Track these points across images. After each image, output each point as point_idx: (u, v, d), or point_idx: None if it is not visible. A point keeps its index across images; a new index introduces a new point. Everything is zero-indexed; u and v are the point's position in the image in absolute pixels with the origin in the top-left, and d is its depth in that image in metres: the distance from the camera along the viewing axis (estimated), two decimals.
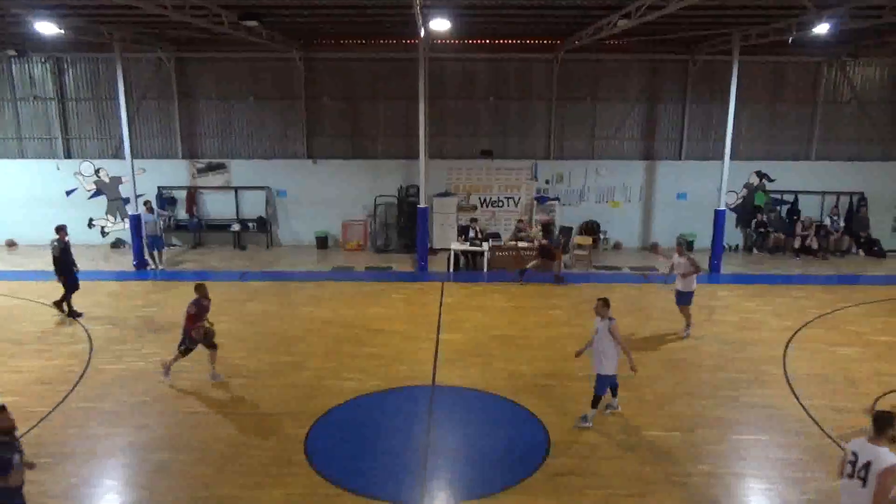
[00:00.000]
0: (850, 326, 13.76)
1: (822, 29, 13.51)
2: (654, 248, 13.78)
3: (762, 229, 20.29)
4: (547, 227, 17.73)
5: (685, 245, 13.74)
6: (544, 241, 17.07)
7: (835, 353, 12.40)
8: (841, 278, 17.51)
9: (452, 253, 18.04)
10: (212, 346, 10.91)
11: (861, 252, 20.14)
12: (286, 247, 21.01)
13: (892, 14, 12.71)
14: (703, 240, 19.19)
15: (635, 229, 20.81)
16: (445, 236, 19.65)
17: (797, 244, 19.90)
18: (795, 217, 20.29)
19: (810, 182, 20.34)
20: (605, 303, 9.36)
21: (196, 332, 10.56)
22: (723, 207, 17.96)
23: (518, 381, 11.09)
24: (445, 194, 20.17)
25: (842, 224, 20.21)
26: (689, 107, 20.11)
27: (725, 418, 9.92)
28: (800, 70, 19.97)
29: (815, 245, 19.73)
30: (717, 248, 17.88)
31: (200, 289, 10.71)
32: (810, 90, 20.11)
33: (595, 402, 9.53)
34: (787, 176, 20.33)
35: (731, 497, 8.06)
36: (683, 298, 12.90)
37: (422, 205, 17.75)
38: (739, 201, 20.48)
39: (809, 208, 20.43)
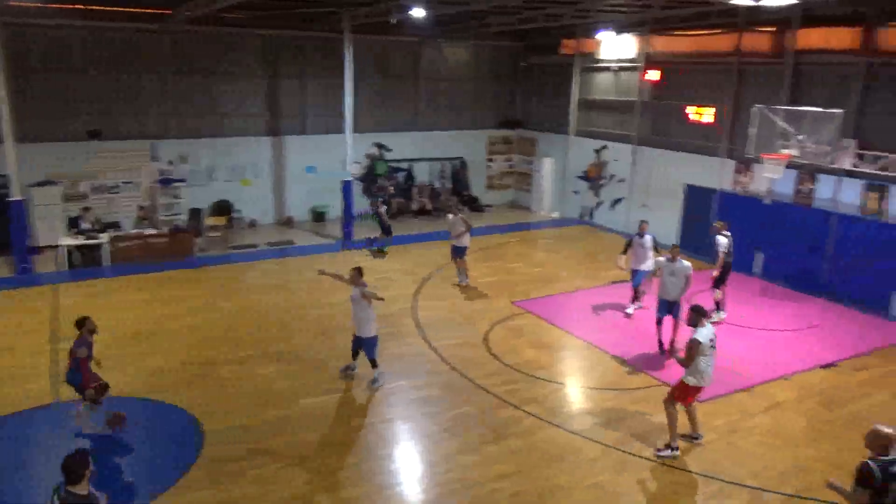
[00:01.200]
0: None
1: (418, 13, 15.02)
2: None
3: (384, 195, 21.97)
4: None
5: (455, 205, 16.14)
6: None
7: (454, 297, 14.21)
8: None
9: (65, 249, 15.71)
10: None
11: (466, 209, 23.27)
12: None
13: (476, 3, 14.78)
14: (336, 209, 20.06)
15: (269, 205, 20.76)
16: (52, 231, 16.95)
17: (416, 207, 22.15)
18: (412, 183, 22.52)
19: (420, 150, 22.71)
20: (358, 272, 10.01)
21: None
22: (349, 178, 18.97)
23: (160, 378, 10.28)
24: (46, 183, 17.33)
25: (449, 186, 23.11)
26: (309, 83, 20.62)
27: (372, 373, 10.60)
28: (403, 49, 21.98)
29: (430, 206, 22.19)
30: (348, 216, 18.88)
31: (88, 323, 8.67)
32: (412, 67, 22.31)
33: (374, 364, 10.15)
34: (401, 145, 22.36)
35: (383, 440, 8.73)
36: (458, 252, 14.86)
37: (15, 197, 14.99)
38: (363, 171, 21.86)
39: (422, 174, 22.84)
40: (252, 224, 20.33)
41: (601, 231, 20.37)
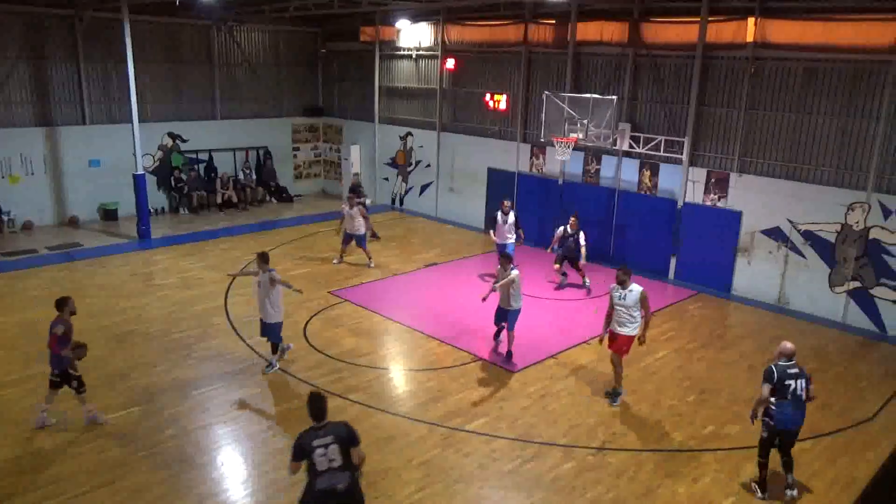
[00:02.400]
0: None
1: None
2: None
3: (181, 188, 20.56)
4: None
5: (351, 199, 15.35)
6: None
7: None
8: (262, 225, 19.28)
9: None
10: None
11: (274, 200, 22.55)
12: None
13: None
14: (128, 206, 18.39)
15: (47, 204, 18.47)
16: None
17: (219, 199, 20.98)
18: (214, 174, 21.29)
19: (221, 140, 21.51)
20: (262, 257, 10.02)
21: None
22: (141, 171, 17.46)
23: None
24: None
25: (254, 176, 22.18)
26: (85, 67, 18.58)
27: (182, 378, 9.95)
28: (193, 32, 20.58)
29: (235, 198, 21.14)
30: (142, 213, 17.38)
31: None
32: (205, 52, 21.00)
33: (274, 349, 10.24)
34: (199, 135, 21.00)
35: (202, 448, 8.22)
36: (359, 240, 15.20)
37: None
38: (157, 164, 20.25)
39: (225, 164, 21.67)
40: (27, 226, 17.98)
41: (412, 217, 20.78)
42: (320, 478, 5.71)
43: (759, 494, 7.61)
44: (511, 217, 14.29)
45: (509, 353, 10.80)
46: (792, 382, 7.29)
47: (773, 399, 7.35)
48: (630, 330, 9.35)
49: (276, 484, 7.56)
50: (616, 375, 9.69)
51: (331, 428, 5.87)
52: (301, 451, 5.76)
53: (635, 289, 9.29)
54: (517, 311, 10.67)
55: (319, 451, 5.71)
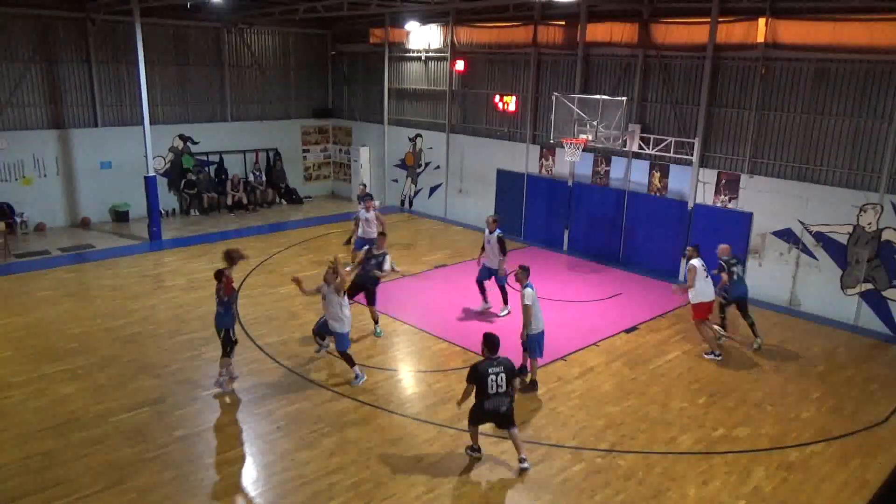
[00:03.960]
0: (284, 267, 15.41)
1: None
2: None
3: (192, 190, 20.67)
4: None
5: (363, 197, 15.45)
6: None
7: (276, 293, 13.75)
8: (271, 227, 19.34)
9: None
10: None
11: (284, 201, 22.62)
12: None
13: None
14: (139, 208, 18.50)
15: (59, 206, 18.63)
16: None
17: (230, 201, 21.08)
18: (224, 176, 21.39)
19: (231, 141, 21.61)
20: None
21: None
22: (152, 173, 17.57)
23: None
24: None
25: (264, 178, 22.26)
26: (97, 69, 18.73)
27: (191, 379, 9.99)
28: (203, 35, 20.69)
29: (245, 200, 21.23)
30: (153, 214, 17.48)
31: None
32: (216, 54, 21.10)
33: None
34: (210, 137, 21.10)
35: (212, 448, 8.25)
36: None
37: None
38: (168, 166, 20.37)
39: (235, 166, 21.77)
40: (39, 228, 18.13)
41: (421, 218, 20.78)
42: (489, 400, 7.49)
43: (724, 334, 11.49)
44: (495, 236, 12.36)
45: (533, 383, 9.96)
46: (735, 269, 11.22)
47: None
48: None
49: (286, 484, 7.57)
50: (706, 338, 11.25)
51: (502, 360, 7.62)
52: (476, 375, 7.53)
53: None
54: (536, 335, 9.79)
55: (491, 377, 7.46)
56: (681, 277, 15.18)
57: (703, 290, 10.95)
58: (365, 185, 17.97)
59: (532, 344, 9.77)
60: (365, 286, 11.74)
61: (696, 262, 11.01)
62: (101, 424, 8.66)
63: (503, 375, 7.52)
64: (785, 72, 13.35)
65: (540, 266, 14.97)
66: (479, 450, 8.07)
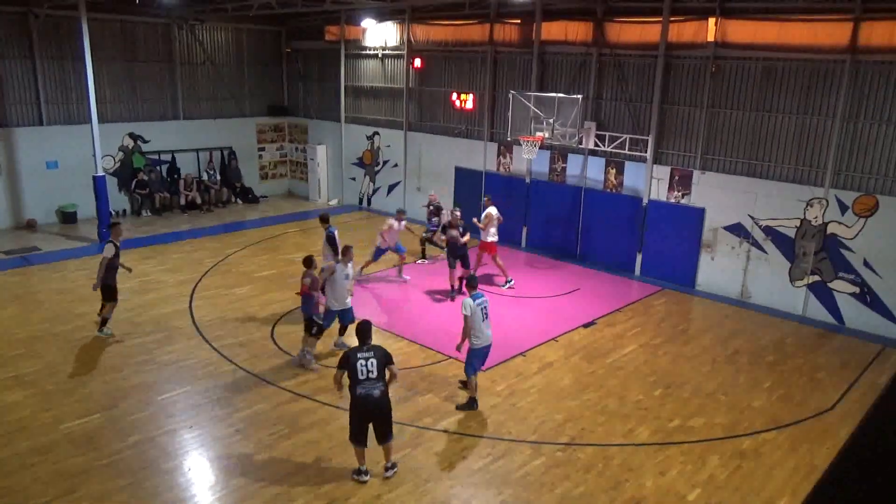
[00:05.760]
0: (240, 268, 15.16)
1: None
2: None
3: (144, 191, 20.14)
4: None
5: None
6: None
7: (232, 294, 13.52)
8: (226, 227, 18.99)
9: None
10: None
11: (239, 201, 22.22)
12: None
13: None
14: (88, 209, 17.97)
15: (3, 207, 17.93)
16: None
17: (183, 201, 20.63)
18: (176, 175, 20.92)
19: (184, 140, 21.13)
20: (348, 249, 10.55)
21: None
22: (101, 173, 17.07)
23: None
24: None
25: (219, 177, 21.85)
26: (41, 65, 18.10)
27: (145, 383, 9.76)
28: (152, 31, 20.17)
29: (199, 200, 20.79)
30: (102, 215, 17.00)
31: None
32: (166, 51, 20.60)
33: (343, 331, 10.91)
34: (161, 136, 20.59)
35: (168, 454, 8.06)
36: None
37: None
38: (118, 165, 19.81)
39: (188, 165, 21.30)
40: None
41: (380, 216, 20.66)
42: (360, 384, 7.32)
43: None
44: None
45: (471, 401, 9.42)
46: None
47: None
48: None
49: (245, 488, 7.45)
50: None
51: (374, 347, 7.51)
52: (344, 363, 7.42)
53: None
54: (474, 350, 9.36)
55: (360, 363, 7.32)
56: (636, 272, 15.45)
57: (494, 233, 14.04)
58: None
59: (470, 357, 9.22)
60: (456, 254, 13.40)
61: (492, 209, 14.13)
62: (50, 432, 8.39)
63: (373, 361, 7.35)
64: (734, 70, 13.69)
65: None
66: (366, 472, 7.63)
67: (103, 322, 11.36)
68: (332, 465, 7.88)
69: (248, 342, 11.24)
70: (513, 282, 14.31)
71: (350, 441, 7.61)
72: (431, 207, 15.99)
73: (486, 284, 13.85)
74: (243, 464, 7.89)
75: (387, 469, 7.72)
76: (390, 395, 7.65)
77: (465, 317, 8.98)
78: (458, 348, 9.44)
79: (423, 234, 15.90)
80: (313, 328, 10.24)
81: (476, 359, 9.25)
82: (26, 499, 7.14)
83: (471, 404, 9.28)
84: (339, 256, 10.80)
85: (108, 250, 11.14)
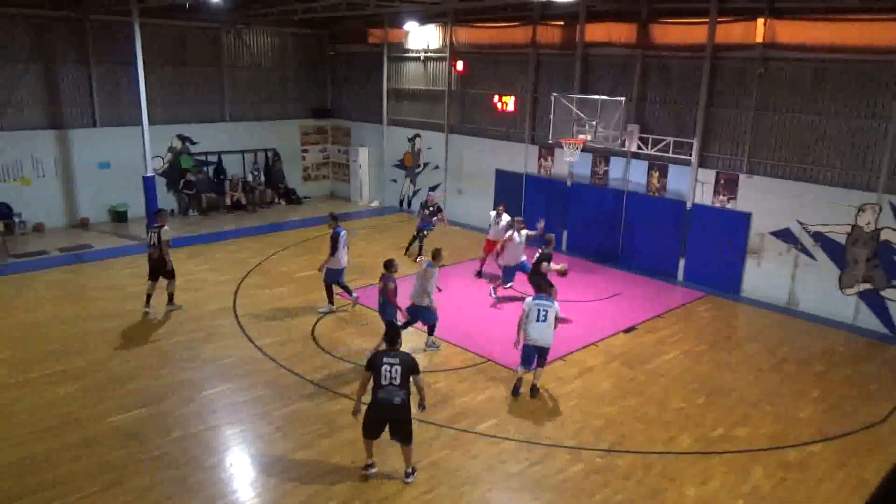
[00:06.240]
0: (281, 268, 15.40)
1: None
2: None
3: (191, 191, 20.62)
4: None
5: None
6: None
7: (274, 293, 13.74)
8: (269, 227, 19.31)
9: None
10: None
11: (282, 202, 22.60)
12: None
13: None
14: (138, 208, 18.49)
15: (58, 206, 18.60)
16: None
17: (228, 201, 21.07)
18: (223, 176, 21.37)
19: (230, 142, 21.59)
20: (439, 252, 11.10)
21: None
22: (150, 174, 17.55)
23: None
24: None
25: (263, 178, 22.24)
26: (95, 70, 18.71)
27: (189, 380, 9.98)
28: (201, 35, 20.66)
29: (244, 200, 21.20)
30: (152, 215, 17.42)
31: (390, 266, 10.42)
32: (214, 55, 21.08)
33: (431, 331, 11.29)
34: (208, 137, 21.07)
35: (210, 449, 8.23)
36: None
37: None
38: (166, 166, 20.35)
39: (234, 166, 21.75)
40: (38, 228, 18.10)
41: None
42: (382, 389, 7.24)
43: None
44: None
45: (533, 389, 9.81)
46: None
47: None
48: None
49: (285, 485, 7.56)
50: None
51: (400, 353, 7.43)
52: (371, 365, 7.33)
53: None
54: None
55: (385, 368, 7.23)
56: (679, 277, 15.19)
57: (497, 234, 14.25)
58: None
59: (524, 352, 9.62)
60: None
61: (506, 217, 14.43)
62: (97, 426, 8.64)
63: (398, 368, 7.24)
64: (783, 72, 13.35)
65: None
66: (373, 465, 7.73)
67: (171, 297, 12.55)
68: (359, 461, 7.92)
69: (288, 341, 11.40)
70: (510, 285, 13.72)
71: (362, 436, 7.60)
72: (431, 208, 16.32)
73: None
74: (282, 461, 8.00)
75: (407, 475, 7.67)
76: (419, 402, 7.67)
77: (520, 318, 9.58)
78: (515, 345, 9.69)
79: (423, 234, 16.26)
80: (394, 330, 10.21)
81: (525, 354, 9.61)
82: (72, 490, 7.36)
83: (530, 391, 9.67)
84: (433, 260, 11.20)
85: (167, 233, 12.26)
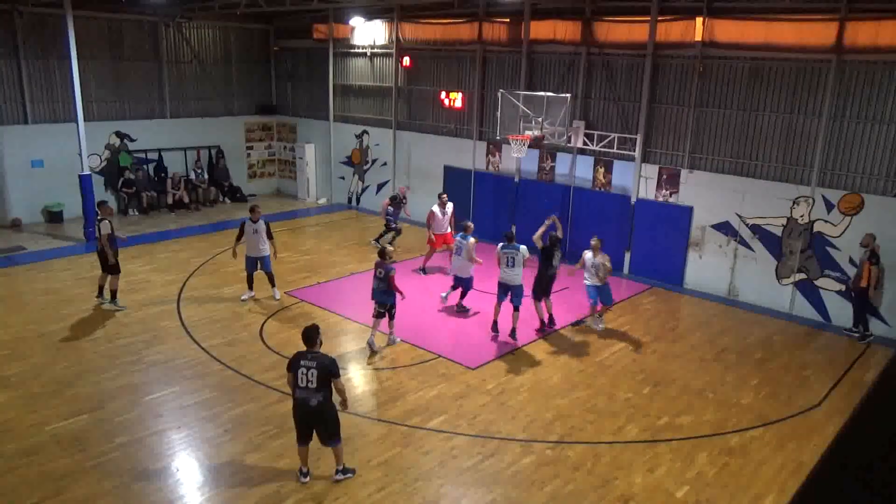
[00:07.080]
0: (228, 267, 15.04)
1: None
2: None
3: (130, 189, 19.97)
4: None
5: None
6: None
7: (220, 294, 13.44)
8: (213, 226, 18.86)
9: None
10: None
11: (227, 200, 22.10)
12: None
13: None
14: (74, 207, 17.81)
15: None
16: None
17: (170, 200, 20.49)
18: (164, 174, 20.77)
19: (171, 139, 20.98)
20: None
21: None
22: (87, 172, 16.92)
23: None
24: None
25: (206, 176, 21.71)
26: (26, 64, 17.92)
27: (132, 384, 9.69)
28: (139, 29, 20.02)
29: (186, 199, 20.66)
30: (89, 215, 16.83)
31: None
32: (153, 49, 20.46)
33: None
34: (148, 134, 20.43)
35: (156, 455, 8.00)
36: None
37: None
38: (104, 164, 19.65)
39: (175, 164, 21.16)
40: None
41: (369, 215, 20.64)
42: (298, 390, 7.21)
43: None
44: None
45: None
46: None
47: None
48: None
49: (234, 489, 7.42)
50: None
51: (318, 355, 7.29)
52: (289, 366, 7.32)
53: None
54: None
55: (301, 370, 7.14)
56: (625, 270, 15.51)
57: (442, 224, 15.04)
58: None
59: (498, 289, 11.61)
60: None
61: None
62: (37, 434, 8.31)
63: (314, 371, 7.08)
64: (721, 70, 13.76)
65: (487, 261, 15.05)
66: (306, 473, 7.56)
67: (113, 294, 12.36)
68: (320, 465, 7.85)
69: (236, 342, 11.19)
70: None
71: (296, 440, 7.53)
72: (405, 201, 16.86)
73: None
74: (233, 464, 7.85)
75: (336, 472, 7.60)
76: (340, 402, 7.47)
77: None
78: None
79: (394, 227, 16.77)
80: (392, 310, 11.05)
81: (498, 290, 11.50)
82: (13, 501, 7.07)
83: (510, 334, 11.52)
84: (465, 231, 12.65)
85: (106, 227, 12.00)
